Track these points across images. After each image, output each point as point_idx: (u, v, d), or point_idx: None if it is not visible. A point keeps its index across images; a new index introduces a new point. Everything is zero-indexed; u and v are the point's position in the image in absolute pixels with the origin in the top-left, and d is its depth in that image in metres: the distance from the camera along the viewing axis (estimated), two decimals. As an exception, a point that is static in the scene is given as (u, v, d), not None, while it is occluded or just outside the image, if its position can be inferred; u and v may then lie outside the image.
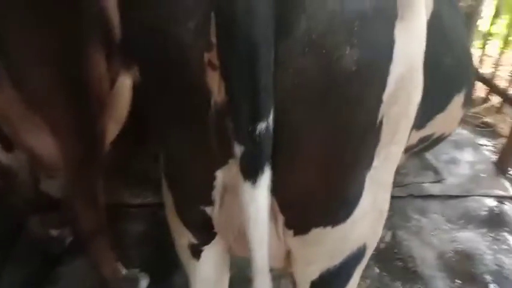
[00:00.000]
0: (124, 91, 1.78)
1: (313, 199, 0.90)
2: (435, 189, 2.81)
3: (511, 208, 2.71)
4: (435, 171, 2.96)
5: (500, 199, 2.78)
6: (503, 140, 3.26)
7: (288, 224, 0.92)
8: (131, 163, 2.74)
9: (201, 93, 0.79)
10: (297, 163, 0.84)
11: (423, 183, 2.85)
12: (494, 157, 3.17)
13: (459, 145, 3.24)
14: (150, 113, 0.97)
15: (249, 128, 0.73)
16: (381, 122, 0.84)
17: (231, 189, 0.95)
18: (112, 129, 1.78)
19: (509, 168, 3.03)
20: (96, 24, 1.47)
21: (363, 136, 0.85)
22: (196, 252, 1.20)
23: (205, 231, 1.12)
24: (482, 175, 2.99)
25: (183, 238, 1.18)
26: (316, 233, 0.96)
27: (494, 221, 2.60)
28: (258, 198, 0.79)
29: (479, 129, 3.52)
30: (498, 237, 2.48)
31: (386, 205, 1.05)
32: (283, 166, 0.80)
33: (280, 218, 0.94)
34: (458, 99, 1.23)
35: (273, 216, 0.92)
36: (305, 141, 0.80)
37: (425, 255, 2.32)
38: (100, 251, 1.81)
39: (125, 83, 1.78)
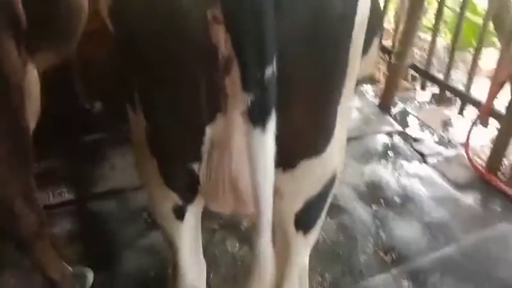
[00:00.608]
0: (34, 80, 1.68)
1: (303, 133, 1.00)
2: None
3: (400, 140, 3.15)
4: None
5: (390, 134, 3.22)
6: (381, 85, 3.72)
7: (278, 162, 0.95)
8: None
9: (205, 49, 0.84)
10: (292, 103, 0.93)
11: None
12: (377, 100, 3.60)
13: (347, 94, 3.62)
14: (136, 76, 0.99)
15: (258, 74, 0.79)
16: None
17: (218, 144, 1.00)
18: (32, 122, 1.66)
19: (391, 107, 3.50)
20: (3, 11, 1.37)
21: (341, 71, 0.99)
22: (181, 214, 1.24)
23: (190, 191, 1.16)
24: (371, 117, 3.40)
25: (167, 202, 1.20)
26: (303, 165, 1.07)
27: (389, 152, 3.01)
28: (268, 142, 0.85)
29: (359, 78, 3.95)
30: (396, 165, 2.89)
31: (346, 135, 1.21)
32: (279, 108, 0.86)
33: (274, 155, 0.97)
34: (376, 41, 1.43)
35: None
36: (298, 80, 0.91)
37: (342, 191, 2.60)
38: (44, 252, 1.70)
39: (33, 72, 1.68)
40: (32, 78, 1.68)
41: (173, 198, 1.19)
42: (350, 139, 2.97)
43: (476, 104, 2.87)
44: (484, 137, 3.18)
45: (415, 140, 3.18)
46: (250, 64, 0.79)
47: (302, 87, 0.93)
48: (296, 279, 1.37)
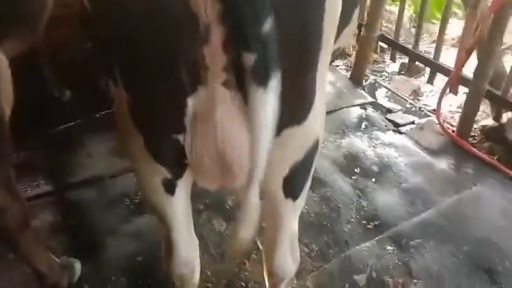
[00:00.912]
0: (4, 67, 1.62)
1: (286, 103, 0.96)
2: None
3: (373, 111, 3.21)
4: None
5: (363, 106, 3.27)
6: (351, 59, 3.76)
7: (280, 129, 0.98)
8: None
9: (184, 20, 0.83)
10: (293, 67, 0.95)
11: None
12: (348, 74, 3.65)
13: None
14: (115, 51, 0.99)
15: (256, 30, 0.78)
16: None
17: (201, 116, 1.01)
18: (7, 110, 1.61)
19: (362, 80, 3.55)
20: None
21: (319, 40, 1.00)
22: (171, 188, 1.24)
23: (178, 164, 1.16)
24: (344, 90, 3.45)
25: (156, 176, 1.20)
26: (287, 133, 1.09)
27: (364, 124, 3.07)
28: (271, 101, 0.86)
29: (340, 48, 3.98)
30: (372, 135, 2.96)
31: (324, 103, 1.23)
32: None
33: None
34: (357, 11, 1.45)
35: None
36: (283, 48, 0.87)
37: (322, 164, 2.64)
38: (30, 245, 1.66)
39: (3, 59, 1.62)
40: (3, 65, 1.62)
41: (162, 172, 1.19)
42: (327, 113, 3.10)
43: (445, 71, 2.95)
44: (454, 104, 3.29)
45: (388, 110, 3.26)
46: (247, 22, 0.78)
47: (285, 54, 0.89)
48: (288, 245, 1.44)
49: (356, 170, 2.65)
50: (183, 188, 1.27)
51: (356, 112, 3.21)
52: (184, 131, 1.04)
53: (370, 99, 3.35)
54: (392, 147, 2.85)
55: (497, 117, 2.74)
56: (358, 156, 2.77)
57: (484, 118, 2.99)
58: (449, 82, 2.82)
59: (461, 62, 2.69)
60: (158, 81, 0.97)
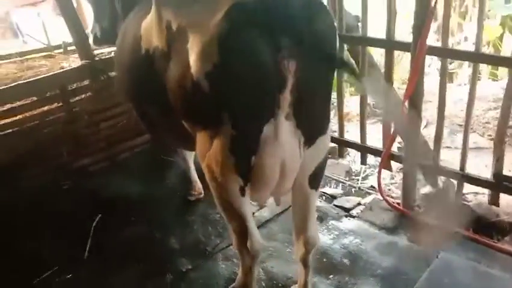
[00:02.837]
0: None
1: (318, 121, 1.82)
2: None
3: (319, 200, 3.30)
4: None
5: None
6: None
7: (306, 143, 1.78)
8: None
9: (277, 81, 1.57)
10: (314, 103, 1.72)
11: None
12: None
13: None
14: (228, 102, 1.63)
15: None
16: None
17: (267, 140, 1.68)
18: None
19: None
20: None
21: (332, 83, 1.96)
22: (243, 192, 1.84)
23: (249, 174, 1.77)
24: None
25: (235, 184, 1.80)
26: (317, 142, 1.82)
27: (317, 216, 3.12)
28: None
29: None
30: (329, 226, 3.01)
31: None
32: (308, 107, 1.68)
33: (302, 140, 1.76)
34: None
35: (298, 143, 1.75)
36: (318, 87, 1.74)
37: (296, 270, 2.59)
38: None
39: None
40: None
41: (239, 182, 1.79)
42: (277, 215, 3.11)
43: (375, 152, 3.18)
44: (384, 175, 3.53)
45: (332, 196, 3.37)
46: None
47: (320, 90, 1.77)
48: (315, 220, 2.16)
49: (331, 268, 2.64)
50: (247, 193, 1.86)
51: (305, 206, 3.26)
52: (257, 152, 1.70)
53: (314, 190, 3.44)
54: (352, 235, 2.92)
55: (434, 184, 2.98)
56: (326, 253, 2.77)
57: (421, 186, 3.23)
58: (382, 163, 3.04)
59: (389, 144, 2.93)
60: (253, 118, 1.65)
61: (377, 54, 4.21)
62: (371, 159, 3.54)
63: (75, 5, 3.49)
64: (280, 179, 1.82)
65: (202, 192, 3.42)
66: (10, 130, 3.18)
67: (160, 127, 2.39)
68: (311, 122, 1.76)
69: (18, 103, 3.26)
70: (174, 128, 2.00)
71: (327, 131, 1.86)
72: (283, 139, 1.69)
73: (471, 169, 2.91)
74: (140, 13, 2.11)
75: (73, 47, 3.99)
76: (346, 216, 3.12)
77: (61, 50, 4.40)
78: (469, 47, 5.50)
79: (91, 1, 3.30)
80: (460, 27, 5.82)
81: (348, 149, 3.67)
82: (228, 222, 2.03)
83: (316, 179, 1.97)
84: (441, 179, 3.04)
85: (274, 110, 1.61)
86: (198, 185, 3.43)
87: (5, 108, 3.18)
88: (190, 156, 3.34)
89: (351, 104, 4.55)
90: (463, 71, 5.54)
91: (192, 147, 1.96)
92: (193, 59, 1.58)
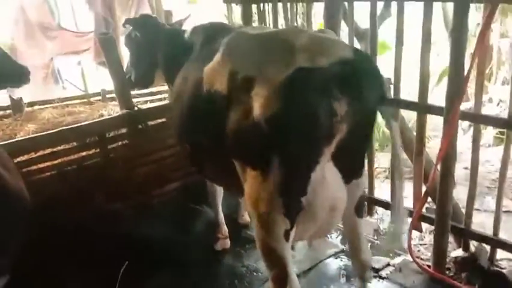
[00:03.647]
0: None
1: (358, 164, 2.12)
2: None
3: (348, 259, 3.26)
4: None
5: (337, 255, 3.31)
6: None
7: (347, 181, 2.02)
8: None
9: (329, 136, 1.79)
10: (358, 150, 2.03)
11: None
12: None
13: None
14: (280, 147, 1.81)
15: None
16: None
17: (315, 183, 1.86)
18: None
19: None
20: None
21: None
22: (287, 236, 1.93)
23: (294, 219, 1.90)
24: (314, 243, 3.49)
25: (281, 227, 1.90)
26: (358, 180, 2.10)
27: (345, 276, 3.08)
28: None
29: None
30: (356, 286, 2.95)
31: None
32: (349, 153, 1.92)
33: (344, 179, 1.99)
34: None
35: (341, 180, 1.97)
36: (361, 139, 2.02)
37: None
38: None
39: None
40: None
41: (286, 224, 1.89)
42: (304, 272, 3.08)
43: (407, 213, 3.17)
44: (414, 237, 3.49)
45: (361, 255, 3.32)
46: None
47: (362, 140, 2.04)
48: (366, 244, 2.46)
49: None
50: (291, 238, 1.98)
51: (332, 264, 3.23)
52: (307, 193, 1.86)
53: (341, 246, 3.42)
54: (381, 296, 2.86)
55: (465, 248, 2.94)
56: (355, 314, 2.72)
57: (452, 249, 3.18)
58: (413, 223, 3.02)
59: (420, 204, 2.93)
60: (301, 161, 1.82)
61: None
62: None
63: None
64: (329, 217, 2.00)
65: (227, 236, 3.45)
66: (49, 173, 3.31)
67: (208, 164, 2.52)
68: (354, 164, 2.06)
69: (59, 148, 3.40)
70: (222, 166, 2.16)
71: (363, 172, 2.20)
72: (330, 179, 1.91)
73: (501, 233, 2.87)
74: (201, 59, 2.35)
75: (111, 95, 4.20)
76: (375, 276, 3.07)
77: (99, 98, 4.63)
78: (494, 108, 5.56)
79: (130, 46, 3.53)
80: (484, 89, 5.89)
81: (376, 206, 3.66)
82: (269, 268, 2.07)
83: (361, 208, 2.28)
84: (473, 243, 2.99)
85: (324, 152, 1.83)
86: (224, 227, 3.48)
87: (46, 152, 3.33)
88: (220, 197, 3.43)
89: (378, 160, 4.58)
90: (487, 131, 5.56)
91: (233, 187, 2.20)
92: (257, 104, 1.79)
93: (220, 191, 3.43)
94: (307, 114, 1.73)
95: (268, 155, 1.82)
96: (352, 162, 2.01)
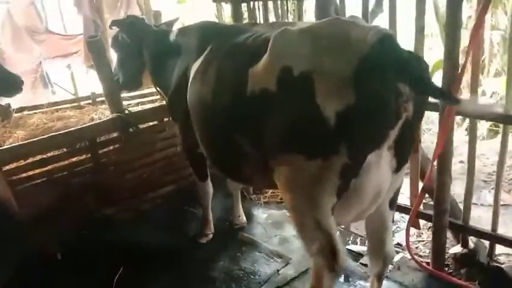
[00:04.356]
0: None
1: (409, 151, 2.15)
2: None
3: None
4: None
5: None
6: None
7: (395, 170, 2.04)
8: None
9: (396, 118, 1.84)
10: (410, 136, 2.04)
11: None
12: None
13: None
14: (352, 139, 1.84)
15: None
16: None
17: (367, 166, 1.91)
18: None
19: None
20: None
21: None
22: (332, 211, 1.98)
23: (342, 195, 1.95)
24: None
25: (330, 204, 1.95)
26: (401, 170, 2.08)
27: (344, 276, 3.04)
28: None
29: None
30: (357, 286, 2.92)
31: None
32: (405, 139, 1.96)
33: (393, 168, 2.01)
34: None
35: (390, 170, 2.01)
36: (416, 122, 2.05)
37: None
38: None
39: None
40: None
41: (333, 201, 1.95)
42: (303, 273, 3.04)
43: (402, 209, 3.14)
44: (411, 233, 3.45)
45: (358, 254, 3.29)
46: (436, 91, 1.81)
47: (415, 128, 2.08)
48: (391, 237, 2.43)
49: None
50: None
51: (330, 264, 3.18)
52: (358, 175, 1.92)
53: (338, 246, 3.38)
54: (382, 295, 2.82)
55: (464, 244, 2.91)
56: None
57: (451, 245, 3.15)
58: (411, 220, 2.99)
59: (418, 201, 2.90)
60: (368, 149, 1.87)
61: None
62: (396, 215, 3.47)
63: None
64: (371, 202, 2.04)
65: (213, 232, 3.54)
66: (40, 180, 3.24)
67: (230, 158, 2.50)
68: (405, 150, 2.04)
69: (49, 154, 3.33)
70: (256, 160, 2.23)
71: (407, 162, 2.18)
72: (383, 166, 1.95)
73: (499, 227, 2.84)
74: (239, 59, 2.29)
75: (102, 98, 4.14)
76: (373, 275, 3.02)
77: (90, 101, 4.55)
78: (487, 101, 5.55)
79: (116, 48, 3.47)
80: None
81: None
82: (310, 242, 2.09)
83: (395, 201, 2.30)
84: (471, 239, 2.97)
85: (382, 143, 1.88)
86: (212, 224, 3.55)
87: (36, 159, 3.26)
88: (211, 197, 3.45)
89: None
90: (481, 124, 5.54)
91: (253, 180, 2.53)
92: (322, 99, 1.80)
93: (211, 192, 3.45)
94: (381, 100, 1.76)
95: (333, 145, 1.84)
96: (403, 151, 2.01)
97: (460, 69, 2.45)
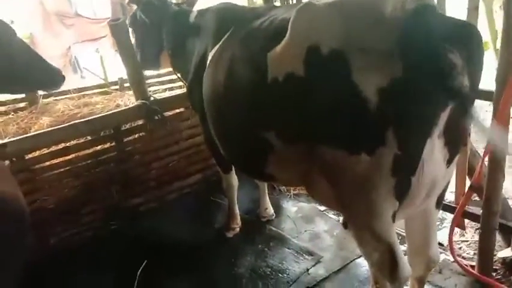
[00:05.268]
0: None
1: (461, 138, 1.83)
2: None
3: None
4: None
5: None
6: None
7: (448, 161, 1.77)
8: None
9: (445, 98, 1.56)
10: (461, 121, 1.67)
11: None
12: (340, 218, 3.49)
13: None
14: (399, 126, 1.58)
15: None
16: None
17: (426, 159, 1.65)
18: None
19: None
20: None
21: None
22: (393, 218, 1.75)
23: (404, 199, 1.71)
24: (344, 239, 3.25)
25: (390, 210, 1.72)
26: (454, 160, 1.82)
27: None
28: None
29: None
30: None
31: None
32: (456, 124, 1.67)
33: (446, 159, 1.76)
34: None
35: (444, 161, 1.75)
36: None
37: None
38: None
39: None
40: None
41: (394, 207, 1.71)
42: (334, 273, 2.85)
43: (447, 208, 2.88)
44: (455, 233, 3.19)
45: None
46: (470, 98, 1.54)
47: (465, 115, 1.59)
48: (436, 238, 2.18)
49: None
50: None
51: (364, 263, 2.97)
52: (415, 173, 1.66)
53: (373, 244, 3.15)
54: (421, 300, 2.59)
55: (515, 248, 2.63)
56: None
57: (499, 248, 2.87)
58: (456, 220, 2.72)
59: (464, 200, 2.63)
60: (421, 135, 1.62)
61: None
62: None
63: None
64: (425, 198, 1.81)
65: (240, 225, 3.39)
66: (62, 169, 3.16)
67: (249, 154, 2.28)
68: (456, 139, 1.77)
69: (73, 142, 3.24)
70: (273, 154, 2.05)
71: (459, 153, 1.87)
72: (437, 157, 1.69)
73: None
74: (255, 44, 2.08)
75: (128, 84, 4.02)
76: (411, 278, 2.79)
77: (117, 87, 4.46)
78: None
79: (134, 27, 3.32)
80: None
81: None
82: (370, 254, 1.90)
83: (442, 198, 2.03)
84: (524, 242, 2.68)
85: (433, 130, 1.60)
86: (239, 218, 3.40)
87: (59, 147, 3.17)
88: (235, 187, 3.30)
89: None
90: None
91: (276, 177, 2.27)
92: (360, 77, 1.57)
93: (236, 184, 3.29)
94: (435, 70, 1.48)
95: (377, 133, 1.59)
96: (455, 138, 1.74)
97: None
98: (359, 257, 3.01)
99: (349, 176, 1.72)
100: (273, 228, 3.40)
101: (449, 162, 1.79)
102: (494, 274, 2.71)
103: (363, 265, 2.93)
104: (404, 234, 2.26)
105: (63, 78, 2.73)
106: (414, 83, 1.52)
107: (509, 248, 2.73)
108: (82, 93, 4.36)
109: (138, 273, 2.98)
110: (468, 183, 2.67)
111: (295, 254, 3.10)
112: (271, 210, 3.51)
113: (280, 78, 1.85)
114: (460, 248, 3.09)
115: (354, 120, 1.63)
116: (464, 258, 2.93)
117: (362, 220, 1.83)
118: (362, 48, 1.59)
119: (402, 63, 1.51)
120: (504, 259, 2.73)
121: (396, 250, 1.83)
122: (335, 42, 1.64)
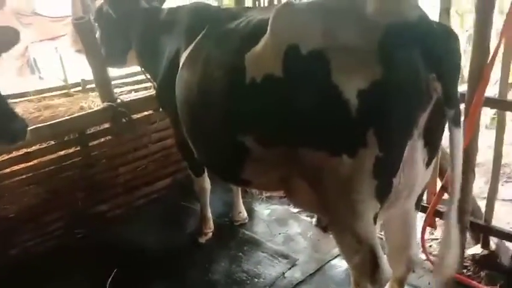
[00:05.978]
0: None
1: (439, 140, 1.84)
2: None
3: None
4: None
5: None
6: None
7: (427, 163, 1.80)
8: None
9: (426, 99, 1.59)
10: (439, 122, 1.69)
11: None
12: (313, 220, 3.48)
13: (283, 222, 3.45)
14: (375, 126, 1.57)
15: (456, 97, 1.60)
16: None
17: (405, 161, 1.65)
18: None
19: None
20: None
21: None
22: (375, 220, 1.75)
23: (383, 200, 1.71)
24: (317, 240, 3.24)
25: (372, 212, 1.71)
26: (432, 163, 1.85)
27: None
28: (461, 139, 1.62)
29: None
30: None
31: None
32: (435, 126, 1.70)
33: (425, 161, 1.77)
34: None
35: (423, 163, 1.77)
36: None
37: None
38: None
39: None
40: None
41: (376, 208, 1.71)
42: (310, 275, 2.83)
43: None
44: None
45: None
46: (455, 93, 1.60)
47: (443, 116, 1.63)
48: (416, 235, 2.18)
49: None
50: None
51: (340, 264, 2.97)
52: (396, 175, 1.67)
53: (347, 245, 3.16)
54: (397, 299, 2.62)
55: (485, 245, 2.71)
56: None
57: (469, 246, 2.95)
58: (428, 220, 2.77)
59: (436, 200, 2.67)
60: (401, 136, 1.61)
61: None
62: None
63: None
64: (405, 199, 1.83)
65: (213, 229, 3.30)
66: (24, 176, 2.99)
67: (224, 158, 2.23)
68: (436, 141, 1.80)
69: (35, 147, 3.07)
70: (250, 159, 2.01)
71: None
72: (417, 159, 1.71)
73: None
74: (232, 45, 2.03)
75: (92, 85, 3.86)
76: (386, 277, 2.82)
77: (79, 88, 4.28)
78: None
79: (100, 22, 3.19)
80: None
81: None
82: (351, 255, 1.87)
83: (421, 199, 2.09)
84: (493, 239, 2.76)
85: (414, 128, 1.60)
86: (211, 222, 3.31)
87: (20, 153, 3.00)
88: (208, 191, 3.22)
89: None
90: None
91: (252, 182, 2.24)
92: (341, 78, 1.56)
93: (209, 187, 3.22)
94: (409, 75, 1.51)
95: (359, 134, 1.58)
96: (434, 140, 1.77)
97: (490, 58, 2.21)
98: (334, 258, 3.01)
99: (330, 178, 1.71)
100: (247, 232, 3.35)
101: (428, 163, 1.81)
102: (464, 271, 2.78)
103: (338, 266, 2.94)
104: (383, 236, 2.27)
105: (26, 132, 2.29)
106: (395, 85, 1.52)
107: (479, 245, 2.81)
108: (42, 95, 4.15)
109: (108, 282, 2.86)
110: (439, 183, 2.72)
111: (270, 258, 3.06)
112: (244, 213, 3.46)
113: (259, 79, 1.82)
114: (430, 246, 3.15)
115: (335, 122, 1.62)
116: (435, 256, 2.98)
117: (343, 222, 1.82)
118: (342, 49, 1.58)
119: (382, 65, 1.51)
120: (474, 256, 2.80)
121: (378, 252, 1.83)
122: (315, 42, 1.62)
